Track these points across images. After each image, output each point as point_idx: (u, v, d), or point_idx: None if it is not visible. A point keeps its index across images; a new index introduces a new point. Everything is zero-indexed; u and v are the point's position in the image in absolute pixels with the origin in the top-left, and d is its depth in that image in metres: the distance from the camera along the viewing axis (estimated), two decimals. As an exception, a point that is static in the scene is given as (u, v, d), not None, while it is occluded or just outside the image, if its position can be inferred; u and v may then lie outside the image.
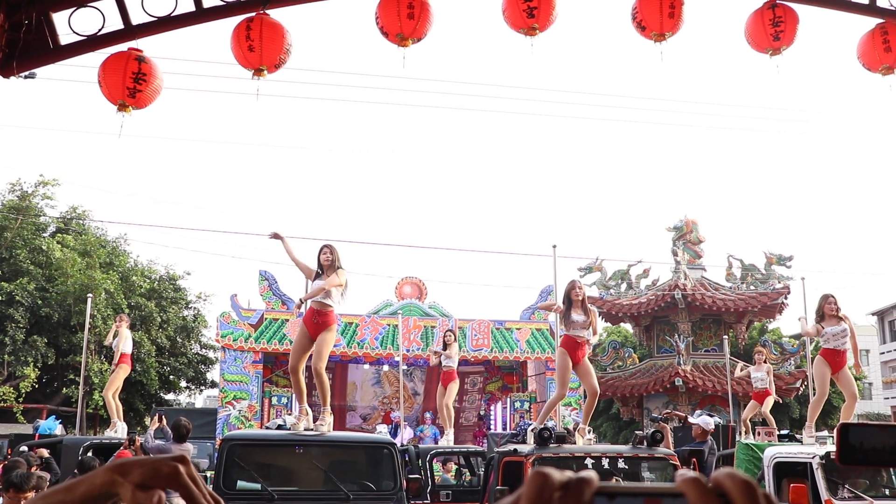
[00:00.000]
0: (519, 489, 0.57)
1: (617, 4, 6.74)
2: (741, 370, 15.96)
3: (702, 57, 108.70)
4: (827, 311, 9.91)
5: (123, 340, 12.46)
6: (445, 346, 13.72)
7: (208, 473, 10.66)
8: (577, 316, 8.99)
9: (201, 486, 0.77)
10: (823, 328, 9.85)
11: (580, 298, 9.08)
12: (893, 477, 8.95)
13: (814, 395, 10.43)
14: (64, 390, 25.49)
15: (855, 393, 10.00)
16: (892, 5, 6.71)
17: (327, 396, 8.05)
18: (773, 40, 6.51)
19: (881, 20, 6.74)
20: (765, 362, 14.47)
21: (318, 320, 7.86)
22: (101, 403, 22.38)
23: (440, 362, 13.68)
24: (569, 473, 0.56)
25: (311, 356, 8.01)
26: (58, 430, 13.64)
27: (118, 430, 12.02)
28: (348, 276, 8.03)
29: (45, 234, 26.37)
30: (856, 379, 37.10)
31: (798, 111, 79.39)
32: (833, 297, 10.00)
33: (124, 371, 12.52)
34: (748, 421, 14.05)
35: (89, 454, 10.31)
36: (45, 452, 10.29)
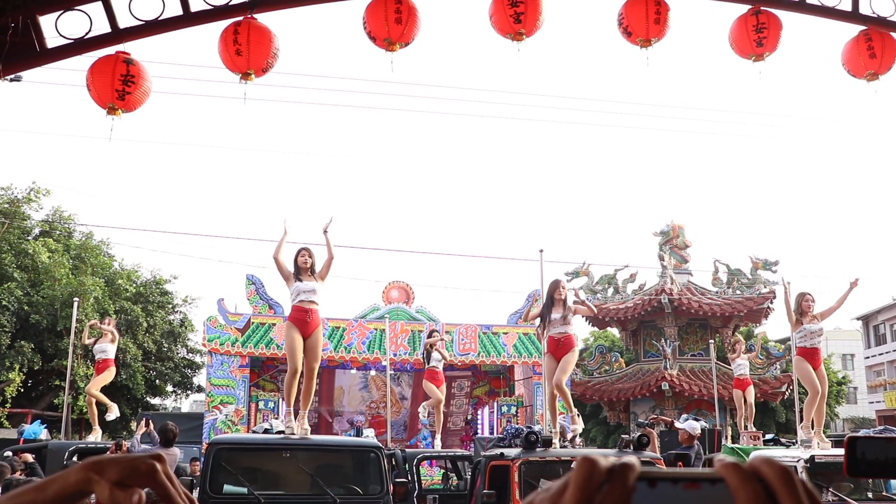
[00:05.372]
0: (565, 476, 0.57)
1: (603, 10, 6.80)
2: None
3: (687, 62, 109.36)
4: (805, 308, 10.08)
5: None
6: (431, 344, 13.78)
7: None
8: (555, 314, 9.14)
9: (177, 485, 0.76)
10: (803, 324, 10.01)
11: (562, 298, 9.28)
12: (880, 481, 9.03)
13: (800, 397, 10.54)
14: (49, 396, 25.32)
15: (824, 392, 10.09)
16: (874, 12, 6.79)
17: (309, 399, 8.17)
18: (756, 46, 6.58)
19: (864, 27, 6.81)
20: (745, 351, 15.01)
21: (310, 318, 8.00)
22: (87, 409, 22.29)
23: (428, 357, 13.69)
24: (612, 459, 0.57)
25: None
26: (43, 434, 13.55)
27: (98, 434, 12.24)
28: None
29: (29, 238, 26.19)
30: (840, 383, 37.05)
31: (783, 117, 79.95)
32: (810, 295, 10.21)
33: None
34: (743, 416, 14.38)
35: (74, 459, 10.26)
36: (29, 457, 10.22)
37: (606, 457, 0.58)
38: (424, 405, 14.62)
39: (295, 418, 8.05)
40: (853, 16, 6.84)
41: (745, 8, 6.68)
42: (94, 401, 12.56)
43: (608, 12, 6.65)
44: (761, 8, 6.62)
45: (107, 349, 12.53)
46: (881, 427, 9.57)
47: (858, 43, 6.84)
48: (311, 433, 8.35)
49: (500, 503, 7.23)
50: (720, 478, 0.57)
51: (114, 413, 12.38)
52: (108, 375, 12.66)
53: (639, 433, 8.45)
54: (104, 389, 12.97)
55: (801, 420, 10.38)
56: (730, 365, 18.40)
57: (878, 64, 6.79)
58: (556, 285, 9.42)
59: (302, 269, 8.16)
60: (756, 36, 6.53)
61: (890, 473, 1.15)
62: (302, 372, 8.26)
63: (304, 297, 8.06)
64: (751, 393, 14.52)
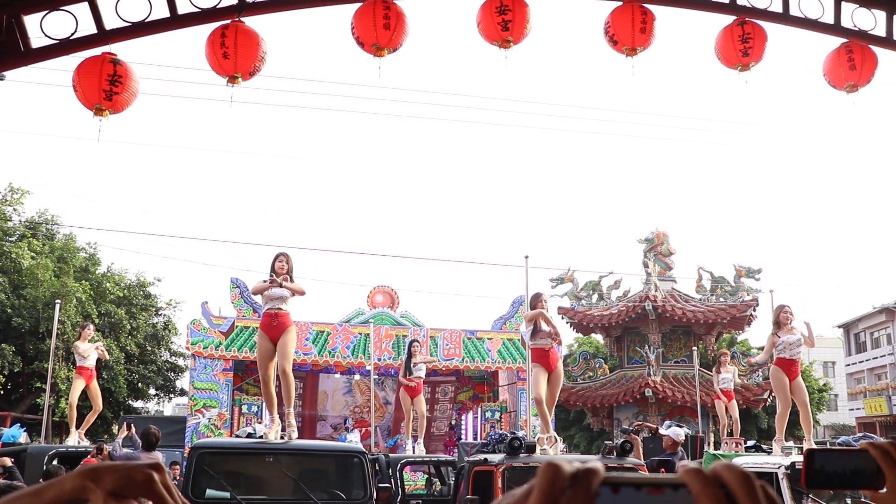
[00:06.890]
0: (531, 482, 0.58)
1: (590, 19, 6.85)
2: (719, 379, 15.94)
3: (673, 71, 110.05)
4: (782, 320, 10.16)
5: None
6: (411, 355, 13.48)
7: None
8: (543, 326, 9.19)
9: (175, 494, 0.75)
10: (780, 338, 10.08)
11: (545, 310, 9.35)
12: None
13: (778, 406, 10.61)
14: (29, 399, 25.06)
15: (806, 401, 10.23)
16: (855, 25, 6.88)
17: (291, 397, 8.14)
18: (741, 56, 6.64)
19: (845, 40, 6.90)
20: (729, 364, 15.06)
21: (276, 323, 7.98)
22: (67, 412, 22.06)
23: (408, 374, 13.41)
24: (577, 464, 0.58)
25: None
26: (22, 438, 13.38)
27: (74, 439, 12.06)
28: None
29: (11, 239, 25.94)
30: (821, 391, 37.24)
31: (767, 125, 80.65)
32: (788, 307, 10.31)
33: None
34: (726, 426, 14.44)
35: (54, 463, 10.16)
36: (7, 461, 10.09)
37: (572, 462, 0.58)
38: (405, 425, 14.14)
39: (281, 418, 8.05)
40: (835, 28, 6.93)
41: (730, 18, 6.75)
42: (75, 405, 12.38)
43: (595, 21, 6.71)
44: (747, 19, 6.69)
45: (91, 355, 12.36)
46: (860, 434, 9.67)
47: (839, 55, 6.93)
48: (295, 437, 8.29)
49: (483, 509, 7.22)
50: (683, 483, 0.58)
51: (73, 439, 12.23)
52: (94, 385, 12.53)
53: (622, 439, 8.48)
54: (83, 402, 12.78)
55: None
56: (707, 370, 18.48)
57: (857, 76, 6.88)
58: (537, 298, 9.51)
59: (278, 275, 8.15)
60: (742, 46, 6.60)
61: (847, 485, 1.16)
62: (278, 375, 8.24)
63: (272, 305, 8.08)
64: (734, 407, 14.51)
